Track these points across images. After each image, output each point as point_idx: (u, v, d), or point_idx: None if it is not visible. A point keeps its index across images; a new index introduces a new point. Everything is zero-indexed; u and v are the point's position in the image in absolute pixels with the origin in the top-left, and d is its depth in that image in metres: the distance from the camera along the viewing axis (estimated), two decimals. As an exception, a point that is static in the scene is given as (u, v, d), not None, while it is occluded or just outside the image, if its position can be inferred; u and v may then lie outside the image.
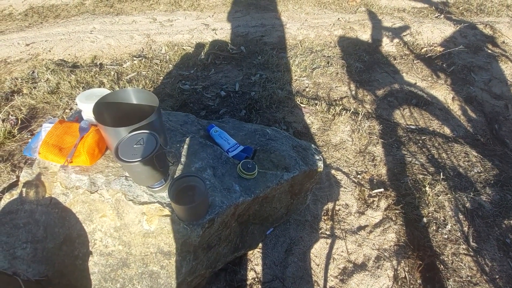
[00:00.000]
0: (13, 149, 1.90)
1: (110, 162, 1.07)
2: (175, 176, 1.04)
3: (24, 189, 1.05)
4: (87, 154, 0.99)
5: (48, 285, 0.93)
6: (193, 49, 2.85)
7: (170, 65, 2.62)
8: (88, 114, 1.09)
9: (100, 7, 3.70)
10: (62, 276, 1.00)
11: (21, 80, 2.46)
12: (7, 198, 1.07)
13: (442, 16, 3.56)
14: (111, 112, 1.01)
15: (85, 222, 0.98)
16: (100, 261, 0.96)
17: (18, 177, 1.74)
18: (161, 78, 2.48)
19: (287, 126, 1.99)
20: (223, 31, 3.12)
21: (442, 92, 2.42)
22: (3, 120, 2.03)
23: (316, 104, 2.16)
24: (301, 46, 2.91)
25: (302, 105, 2.17)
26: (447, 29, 3.21)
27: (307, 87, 2.39)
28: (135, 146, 0.84)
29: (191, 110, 2.15)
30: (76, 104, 2.20)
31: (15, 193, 1.07)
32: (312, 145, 1.42)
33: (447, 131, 2.08)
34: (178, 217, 0.93)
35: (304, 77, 2.49)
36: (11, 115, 2.13)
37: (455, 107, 2.30)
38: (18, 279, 0.82)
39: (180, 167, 1.08)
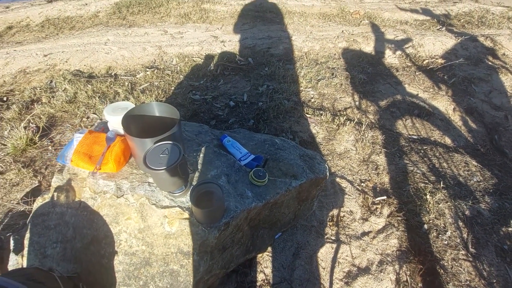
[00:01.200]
0: (34, 156, 2.01)
1: (134, 169, 1.16)
2: (193, 183, 1.14)
3: (55, 193, 1.14)
4: (114, 162, 1.09)
5: (78, 281, 1.02)
6: (202, 60, 2.98)
7: (181, 76, 2.75)
8: (114, 125, 1.19)
9: (113, 19, 3.86)
10: (89, 274, 1.09)
11: (39, 89, 2.59)
12: (40, 201, 1.17)
13: (444, 28, 3.67)
14: (137, 123, 1.11)
15: (112, 224, 1.08)
16: (124, 260, 1.05)
17: (40, 182, 1.85)
18: (173, 88, 2.60)
19: (293, 136, 2.08)
20: (231, 43, 3.25)
21: (443, 103, 2.50)
22: (24, 128, 2.15)
23: (321, 114, 2.25)
24: (307, 58, 3.02)
25: (307, 115, 2.26)
26: (449, 42, 3.30)
27: (312, 98, 2.49)
28: (161, 155, 0.94)
29: (202, 119, 2.25)
30: (94, 113, 2.32)
31: (47, 197, 1.17)
32: (318, 154, 1.51)
33: (448, 141, 2.16)
34: (197, 220, 1.02)
35: (309, 88, 2.59)
36: (31, 123, 2.25)
37: (456, 118, 2.38)
38: (54, 274, 0.91)
39: (197, 174, 1.17)
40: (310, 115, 2.27)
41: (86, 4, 4.29)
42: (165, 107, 1.14)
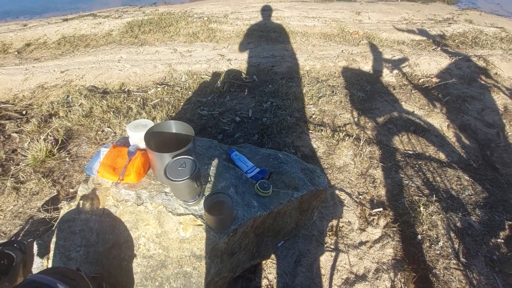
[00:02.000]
0: (53, 166, 2.15)
1: (152, 180, 1.29)
2: (204, 193, 1.26)
3: (81, 201, 1.27)
4: (135, 174, 1.23)
5: (101, 281, 1.13)
6: (210, 77, 3.15)
7: (190, 92, 2.91)
8: (135, 140, 1.33)
9: (126, 37, 4.09)
10: (110, 275, 1.20)
11: (57, 104, 2.76)
12: (66, 208, 1.30)
13: (439, 48, 3.85)
14: (156, 139, 1.25)
15: (132, 230, 1.20)
16: (142, 263, 1.17)
17: (58, 191, 1.98)
18: (182, 104, 2.76)
19: (295, 150, 2.21)
20: (237, 61, 3.44)
21: (438, 120, 2.64)
22: (44, 140, 2.30)
23: (321, 130, 2.39)
24: (308, 76, 3.20)
25: (309, 130, 2.40)
26: (443, 61, 3.47)
27: (313, 114, 2.63)
28: (179, 168, 1.07)
29: (209, 134, 2.40)
30: (108, 127, 2.47)
31: (73, 205, 1.29)
32: (318, 168, 1.63)
33: (442, 156, 2.27)
34: (209, 226, 1.14)
35: (311, 105, 2.74)
36: (50, 136, 2.40)
37: (450, 134, 2.51)
38: (81, 273, 1.02)
39: (208, 185, 1.30)
40: (311, 131, 2.41)
41: (100, 23, 4.55)
42: (181, 125, 1.28)
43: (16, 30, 4.55)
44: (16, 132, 2.46)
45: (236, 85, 3.03)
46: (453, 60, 3.49)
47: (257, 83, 3.08)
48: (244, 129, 2.46)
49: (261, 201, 1.31)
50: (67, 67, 3.36)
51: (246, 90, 2.97)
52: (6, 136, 2.42)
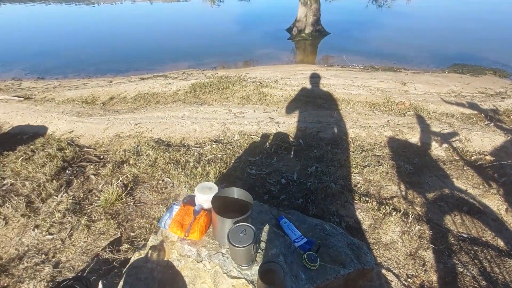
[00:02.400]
0: (119, 209, 2.45)
1: (211, 239, 1.45)
2: (256, 258, 1.37)
3: (150, 251, 1.46)
4: (199, 232, 1.40)
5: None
6: (259, 138, 3.44)
7: (240, 151, 3.19)
8: (200, 201, 1.54)
9: (189, 97, 4.72)
10: (164, 326, 1.31)
11: (128, 152, 3.21)
12: (136, 256, 1.49)
13: (492, 124, 3.76)
14: (219, 201, 1.44)
15: (189, 285, 1.33)
16: (195, 320, 1.26)
17: (121, 234, 2.23)
18: (233, 161, 3.02)
19: (339, 219, 2.24)
20: (285, 125, 3.73)
21: (495, 202, 2.49)
22: (117, 184, 2.67)
23: (367, 201, 2.41)
24: (353, 143, 3.32)
25: (354, 200, 2.44)
26: (498, 138, 3.36)
27: (358, 183, 2.68)
28: (240, 235, 1.22)
29: (256, 193, 2.56)
30: (168, 178, 2.77)
31: (142, 253, 1.48)
32: (365, 244, 1.65)
33: (500, 243, 2.11)
34: (260, 294, 1.22)
35: (355, 173, 2.81)
36: (120, 180, 2.77)
37: (509, 219, 2.34)
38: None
39: (260, 251, 1.41)
40: (356, 201, 2.44)
41: (169, 83, 5.34)
42: (242, 192, 1.46)
43: (104, 85, 5.54)
44: (93, 174, 2.89)
45: (283, 147, 3.26)
46: (508, 137, 3.37)
47: (303, 147, 3.27)
48: (289, 192, 2.58)
49: (309, 274, 1.36)
50: (140, 120, 3.94)
51: (292, 153, 3.16)
52: (85, 177, 2.86)
